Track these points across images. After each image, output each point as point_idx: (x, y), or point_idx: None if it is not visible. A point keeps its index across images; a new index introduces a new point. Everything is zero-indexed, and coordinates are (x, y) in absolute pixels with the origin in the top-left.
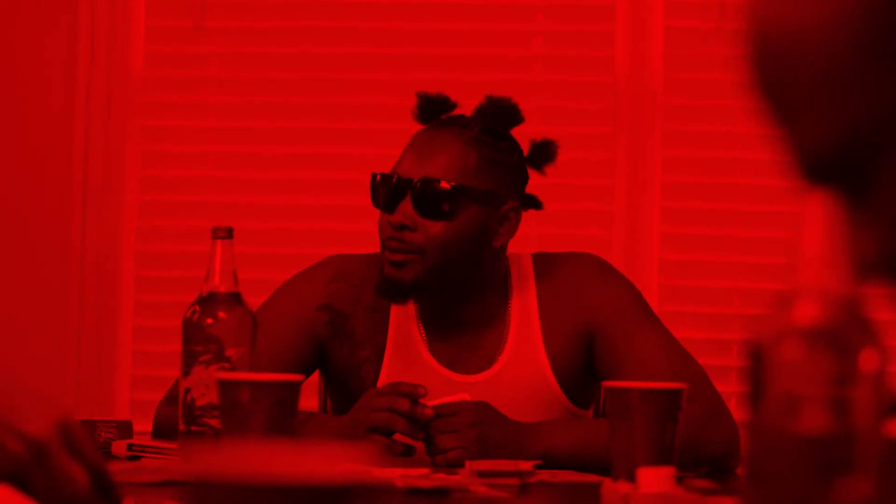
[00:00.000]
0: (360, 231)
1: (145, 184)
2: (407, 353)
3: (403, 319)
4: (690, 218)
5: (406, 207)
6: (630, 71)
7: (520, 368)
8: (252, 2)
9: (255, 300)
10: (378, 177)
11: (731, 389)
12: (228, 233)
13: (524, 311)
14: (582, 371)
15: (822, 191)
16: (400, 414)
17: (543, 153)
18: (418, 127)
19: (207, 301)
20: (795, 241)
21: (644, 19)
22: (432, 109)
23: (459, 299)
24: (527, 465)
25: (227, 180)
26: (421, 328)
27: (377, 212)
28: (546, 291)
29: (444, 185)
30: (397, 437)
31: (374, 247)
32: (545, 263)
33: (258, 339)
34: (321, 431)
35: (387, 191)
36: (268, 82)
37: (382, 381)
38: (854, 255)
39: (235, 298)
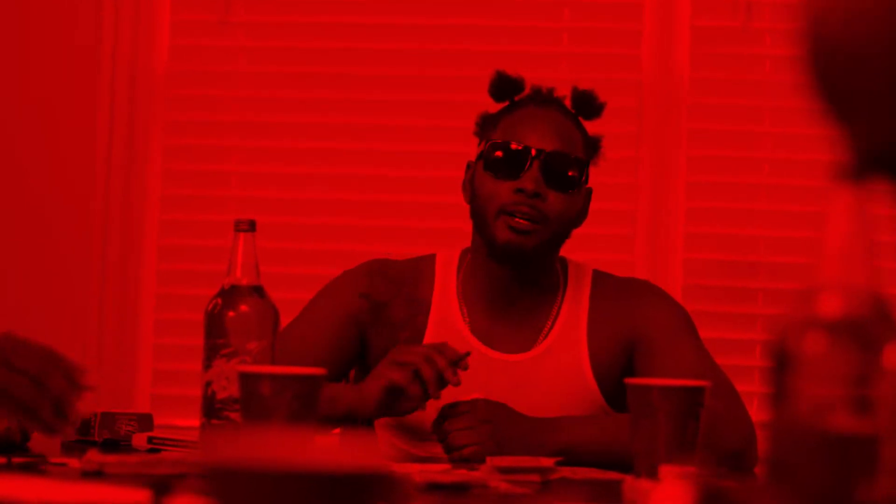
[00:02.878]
0: (384, 226)
1: (168, 177)
2: (447, 333)
3: (445, 303)
4: (715, 217)
5: (534, 176)
6: (656, 69)
7: (560, 356)
8: None
9: (277, 294)
10: (503, 145)
11: (753, 389)
12: (251, 226)
13: (575, 305)
14: (620, 375)
15: (883, 183)
16: (430, 366)
17: (596, 146)
18: (443, 120)
19: (229, 294)
20: (820, 238)
21: (671, 18)
22: (508, 89)
23: (530, 277)
24: (548, 462)
25: (250, 174)
26: (463, 310)
27: (400, 207)
28: (599, 297)
29: (569, 157)
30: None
31: (398, 241)
32: (604, 278)
33: (302, 329)
34: (341, 388)
35: (513, 159)
36: (292, 77)
37: None
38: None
39: (257, 291)
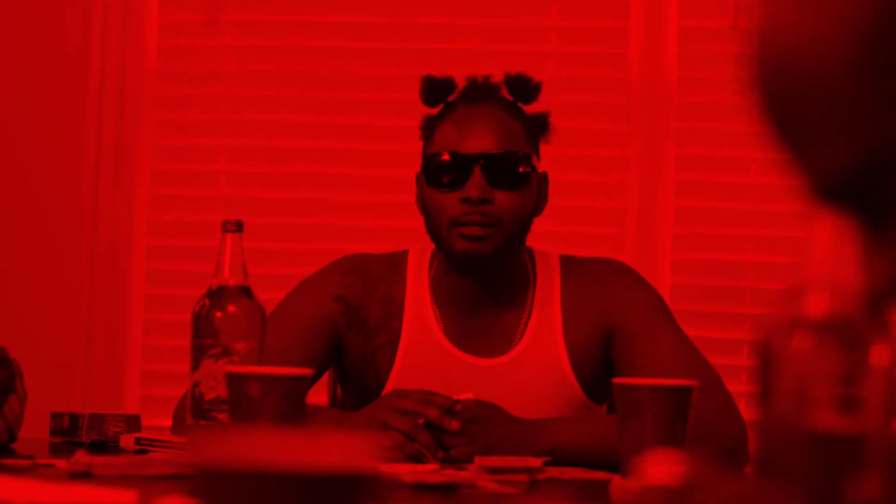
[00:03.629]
0: (372, 226)
1: (157, 177)
2: (423, 338)
3: (418, 304)
4: (703, 217)
5: (477, 182)
6: (644, 68)
7: (537, 355)
8: None
9: (265, 294)
10: (433, 157)
11: (742, 389)
12: (238, 226)
13: (547, 300)
14: (599, 366)
15: (835, 214)
16: (425, 420)
17: (542, 125)
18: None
19: (217, 294)
20: (807, 235)
21: (658, 17)
22: (439, 92)
23: (496, 277)
24: (536, 462)
25: (238, 174)
26: (436, 311)
27: (387, 206)
28: (570, 286)
29: (511, 154)
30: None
31: (385, 241)
32: (572, 262)
33: (275, 334)
34: (331, 425)
35: (452, 169)
36: (280, 76)
37: (398, 367)
38: (870, 280)
39: (245, 292)
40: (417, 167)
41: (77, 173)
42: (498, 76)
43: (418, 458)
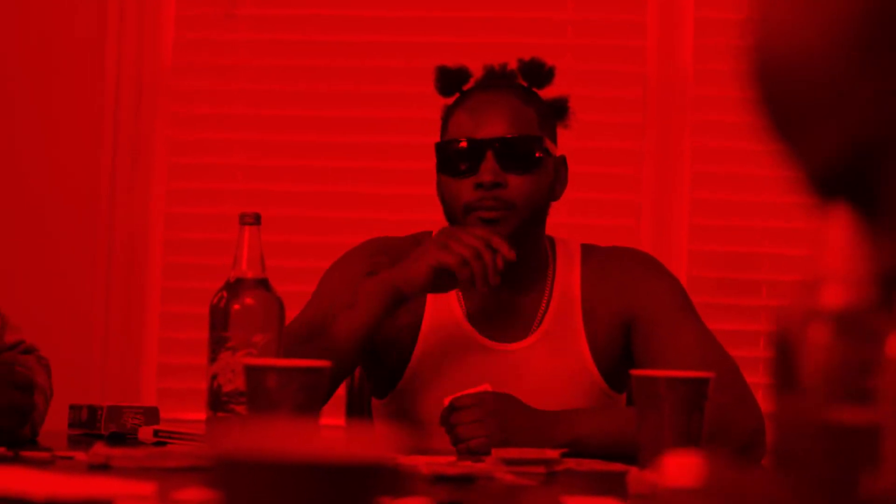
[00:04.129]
0: (390, 219)
1: (174, 171)
2: (444, 320)
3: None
4: (720, 209)
5: (489, 167)
6: (660, 61)
7: (556, 341)
8: None
9: (282, 287)
10: (446, 144)
11: (758, 381)
12: (256, 219)
13: (567, 287)
14: (619, 355)
15: (832, 205)
16: (479, 263)
17: (560, 109)
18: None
19: (234, 287)
20: (822, 227)
21: (675, 9)
22: (453, 81)
23: (517, 258)
24: (553, 454)
25: (255, 168)
26: (459, 296)
27: (405, 199)
28: (590, 273)
29: (523, 138)
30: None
31: (405, 233)
32: (592, 250)
33: (314, 314)
34: (383, 276)
35: (464, 155)
36: (298, 70)
37: (419, 348)
38: (872, 268)
39: (263, 284)
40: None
41: (94, 167)
42: (513, 64)
43: (484, 276)
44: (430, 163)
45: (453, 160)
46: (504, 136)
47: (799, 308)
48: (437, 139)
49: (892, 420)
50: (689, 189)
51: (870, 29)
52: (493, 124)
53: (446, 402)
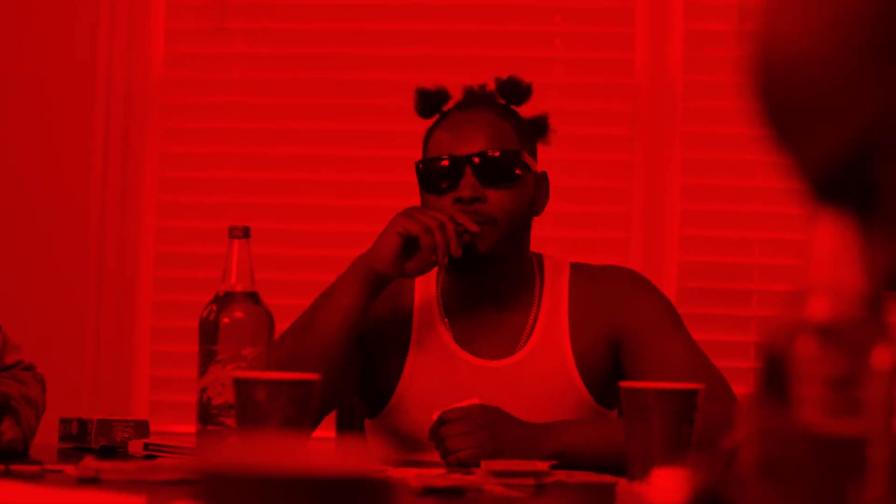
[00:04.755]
0: (378, 232)
1: (164, 184)
2: (431, 342)
3: (427, 308)
4: (709, 220)
5: (469, 182)
6: (650, 73)
7: (544, 358)
8: (272, 3)
9: (272, 300)
10: (427, 162)
11: (748, 391)
12: (245, 232)
13: (554, 304)
14: (606, 372)
15: (827, 211)
16: (442, 233)
17: (540, 127)
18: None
19: (224, 300)
20: (809, 239)
21: (664, 21)
22: (432, 102)
23: (499, 275)
24: (542, 466)
25: (245, 181)
26: (444, 315)
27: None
28: (578, 291)
29: (502, 153)
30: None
31: None
32: (581, 269)
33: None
34: (345, 275)
35: (444, 171)
36: (287, 83)
37: (408, 369)
38: (870, 272)
39: (252, 297)
40: None
41: (84, 180)
42: (492, 84)
43: (432, 252)
44: None
45: (433, 177)
46: (482, 151)
47: (787, 319)
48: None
49: (879, 432)
50: (679, 201)
51: (872, 33)
52: (471, 141)
53: (435, 416)
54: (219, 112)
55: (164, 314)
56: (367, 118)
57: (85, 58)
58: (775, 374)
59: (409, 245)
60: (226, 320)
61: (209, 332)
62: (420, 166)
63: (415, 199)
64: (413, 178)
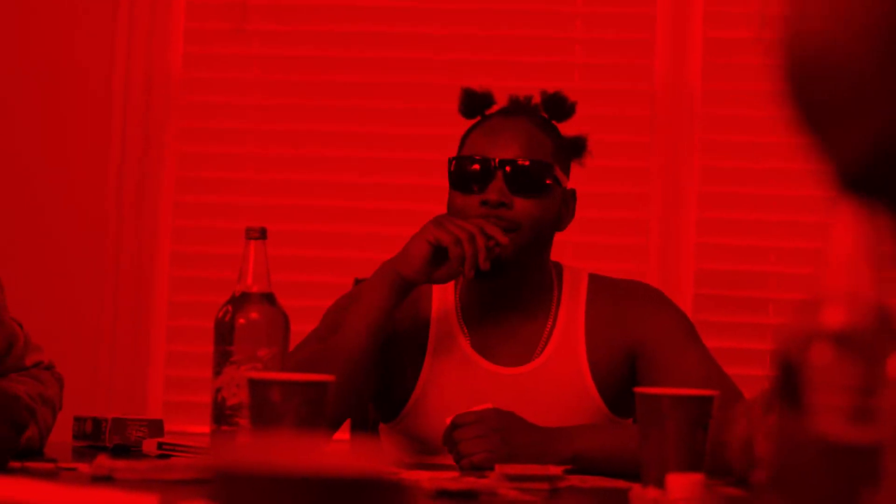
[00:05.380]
0: (394, 234)
1: (181, 185)
2: (448, 348)
3: (444, 315)
4: (726, 227)
5: (498, 186)
6: (668, 80)
7: (559, 367)
8: (292, 4)
9: (288, 301)
10: (459, 160)
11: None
12: (262, 233)
13: (572, 313)
14: (621, 384)
15: (859, 202)
16: (472, 245)
17: (578, 147)
18: (454, 129)
19: (240, 301)
20: (824, 248)
21: (683, 28)
22: (477, 104)
23: (518, 284)
24: (556, 470)
25: (263, 182)
26: (462, 321)
27: (413, 215)
28: (596, 302)
29: (534, 163)
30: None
31: None
32: (600, 281)
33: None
34: (381, 267)
35: (475, 172)
36: (306, 85)
37: (424, 376)
38: (879, 285)
39: (268, 299)
40: (443, 175)
41: (102, 180)
42: (537, 96)
43: (460, 263)
44: (439, 179)
45: (464, 176)
46: (514, 158)
47: (802, 328)
48: (447, 155)
49: (893, 440)
50: (697, 208)
51: None
52: (507, 146)
53: (448, 420)
54: (237, 113)
55: (179, 314)
56: (385, 120)
57: (104, 57)
58: (790, 381)
59: (438, 253)
60: (241, 321)
61: (225, 333)
62: (452, 163)
63: (434, 203)
64: (433, 182)
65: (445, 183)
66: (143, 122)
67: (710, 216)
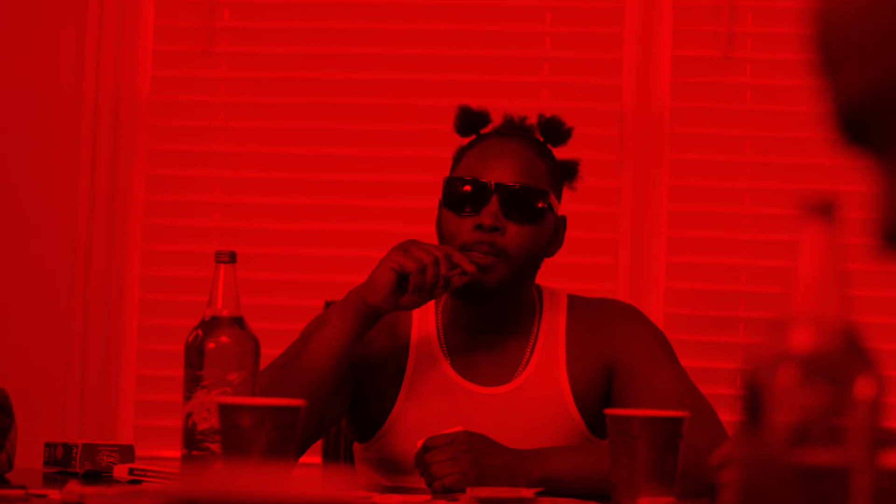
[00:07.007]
0: (365, 257)
1: (150, 208)
2: (428, 368)
3: (424, 336)
4: (696, 246)
5: (492, 210)
6: (637, 99)
7: (540, 387)
8: (260, 27)
9: (258, 325)
10: (454, 181)
11: (735, 419)
12: (232, 257)
13: (551, 334)
14: (600, 401)
15: (853, 150)
16: (435, 270)
17: (571, 171)
18: (428, 150)
19: (210, 325)
20: (792, 269)
21: (652, 48)
22: (473, 123)
23: (501, 308)
24: (528, 493)
25: (233, 205)
26: (442, 342)
27: (383, 236)
28: (575, 322)
29: (529, 189)
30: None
31: None
32: (578, 300)
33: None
34: (336, 306)
35: (470, 194)
36: (275, 107)
37: (403, 395)
38: (881, 222)
39: (238, 322)
40: (415, 198)
41: (71, 203)
42: (533, 117)
43: (431, 289)
44: (411, 201)
45: (458, 197)
46: (511, 183)
47: (769, 349)
48: (420, 177)
49: (861, 462)
50: (666, 227)
51: None
52: (503, 170)
53: (419, 443)
54: (206, 135)
55: (150, 338)
56: (353, 141)
57: (72, 79)
58: (757, 403)
59: (405, 279)
60: (211, 345)
61: (194, 357)
62: (447, 184)
63: (405, 224)
64: (404, 203)
65: (417, 204)
66: (112, 144)
67: (680, 235)
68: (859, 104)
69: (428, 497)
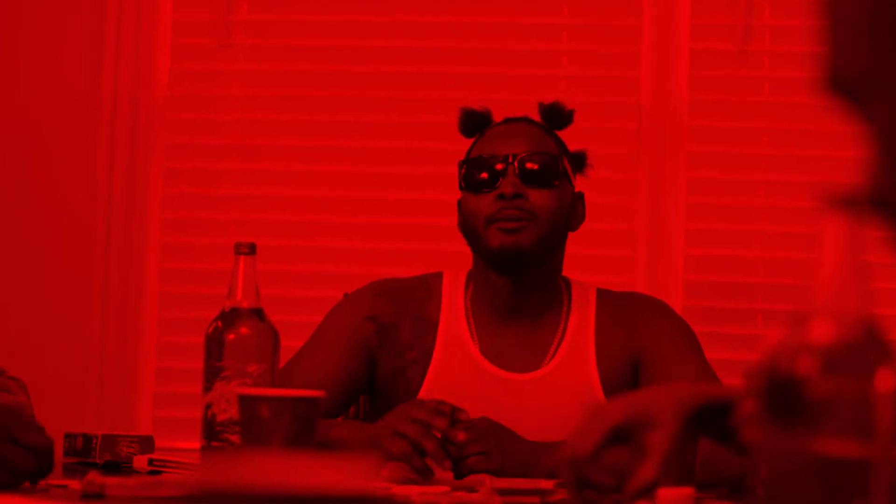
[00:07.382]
0: (385, 248)
1: (169, 201)
2: (456, 354)
3: (452, 321)
4: (714, 239)
5: (511, 181)
6: (655, 92)
7: (569, 374)
8: (277, 19)
9: (277, 317)
10: (470, 161)
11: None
12: (251, 248)
13: (582, 322)
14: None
15: (844, 111)
16: (433, 431)
17: (580, 161)
18: (445, 143)
19: (229, 317)
20: (813, 261)
21: (669, 41)
22: (476, 123)
23: (533, 285)
24: (547, 484)
25: (251, 197)
26: (472, 328)
27: (404, 229)
28: (605, 313)
29: (542, 154)
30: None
31: (400, 263)
32: (607, 294)
33: (311, 356)
34: (350, 433)
35: (488, 170)
36: (292, 100)
37: (428, 381)
38: (869, 187)
39: (257, 314)
40: (434, 189)
41: (90, 196)
42: (533, 111)
43: (424, 473)
44: (429, 193)
45: (476, 176)
46: (525, 152)
47: (790, 342)
48: (437, 169)
49: (882, 454)
50: (685, 219)
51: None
52: (516, 143)
53: (438, 434)
54: (224, 128)
55: (169, 330)
56: (373, 134)
57: (90, 74)
58: (779, 396)
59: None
60: (231, 337)
61: (214, 349)
62: (463, 166)
63: (422, 217)
64: (423, 195)
65: (436, 196)
66: (131, 139)
67: (698, 227)
68: (850, 82)
69: (447, 488)
